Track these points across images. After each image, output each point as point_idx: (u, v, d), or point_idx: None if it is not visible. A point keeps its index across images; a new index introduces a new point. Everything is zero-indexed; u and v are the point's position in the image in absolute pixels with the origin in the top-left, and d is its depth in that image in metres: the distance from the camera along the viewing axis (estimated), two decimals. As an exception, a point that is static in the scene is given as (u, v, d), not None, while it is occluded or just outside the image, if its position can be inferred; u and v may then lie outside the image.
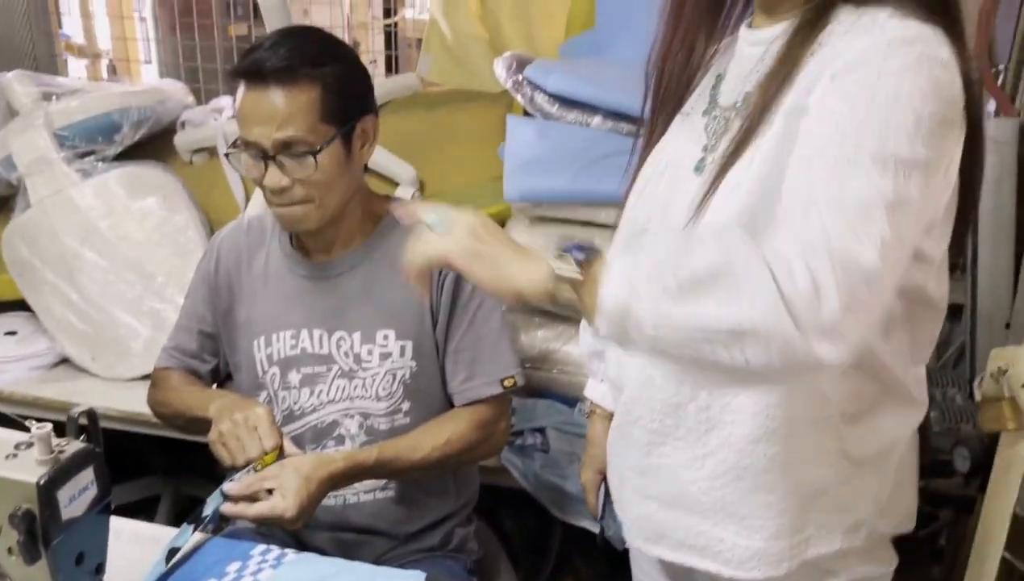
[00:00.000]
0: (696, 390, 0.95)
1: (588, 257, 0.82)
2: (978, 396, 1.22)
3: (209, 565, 1.12)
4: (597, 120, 1.85)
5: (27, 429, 0.91)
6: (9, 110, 2.21)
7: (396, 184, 2.14)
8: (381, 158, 2.08)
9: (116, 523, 1.02)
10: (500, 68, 1.96)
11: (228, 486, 1.15)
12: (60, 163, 2.12)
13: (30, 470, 0.88)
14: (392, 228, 1.38)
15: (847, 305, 0.73)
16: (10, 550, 0.89)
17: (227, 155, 1.31)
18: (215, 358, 1.47)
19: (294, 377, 1.38)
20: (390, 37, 3.33)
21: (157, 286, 2.09)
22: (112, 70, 3.28)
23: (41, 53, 2.72)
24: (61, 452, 0.90)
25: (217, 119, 2.32)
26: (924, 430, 1.04)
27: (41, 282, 2.12)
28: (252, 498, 1.16)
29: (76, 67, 3.44)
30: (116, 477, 0.98)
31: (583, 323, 1.27)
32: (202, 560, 1.14)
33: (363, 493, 1.38)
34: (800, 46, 0.88)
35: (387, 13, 3.32)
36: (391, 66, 3.35)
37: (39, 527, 0.87)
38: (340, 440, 1.37)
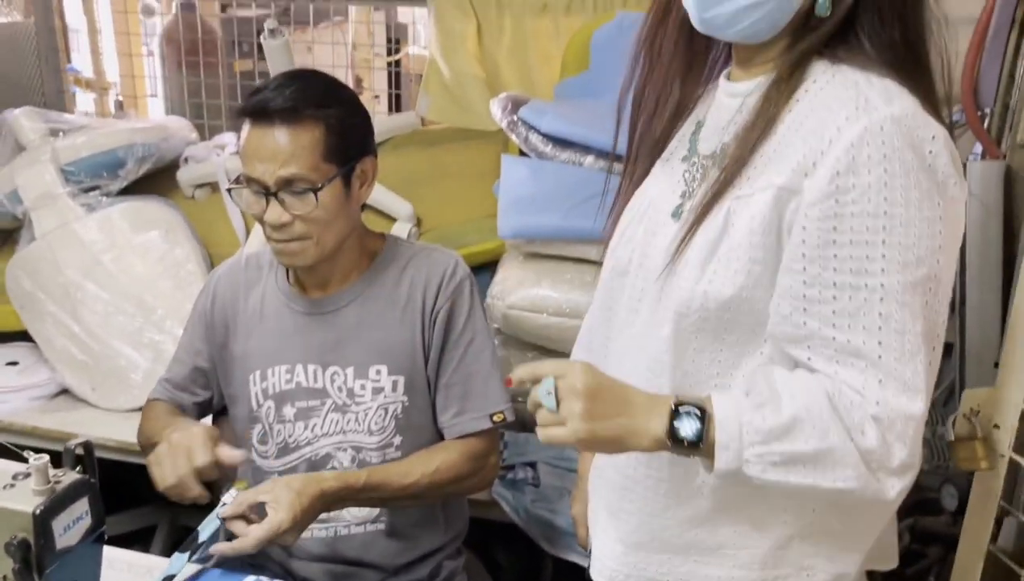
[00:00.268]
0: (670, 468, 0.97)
1: (702, 426, 0.87)
2: (950, 435, 1.25)
3: (203, 597, 1.14)
4: (589, 160, 1.90)
5: (25, 460, 0.94)
6: (17, 145, 2.26)
7: (394, 219, 2.18)
8: (380, 194, 2.13)
9: (110, 553, 1.04)
10: (496, 108, 2.01)
11: (223, 510, 1.17)
12: (65, 197, 2.17)
13: (27, 500, 0.90)
14: (386, 265, 1.42)
15: (910, 451, 0.86)
16: (4, 578, 0.91)
17: (229, 191, 1.35)
18: (206, 392, 1.49)
19: (289, 411, 1.40)
20: (391, 75, 3.39)
21: (157, 318, 2.13)
22: (120, 106, 3.34)
23: (50, 89, 2.79)
24: (57, 483, 0.93)
25: (220, 155, 2.37)
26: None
27: (43, 313, 2.15)
28: (246, 518, 1.18)
29: (84, 100, 3.51)
30: (113, 507, 1.01)
31: (572, 356, 1.29)
32: (196, 591, 1.16)
33: (354, 525, 1.40)
34: (776, 101, 0.91)
35: (390, 52, 3.38)
36: (395, 104, 3.41)
37: (34, 556, 0.89)
38: (334, 472, 1.39)
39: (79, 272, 2.14)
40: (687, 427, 0.87)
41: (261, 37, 2.15)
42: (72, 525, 0.93)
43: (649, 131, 1.07)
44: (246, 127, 1.30)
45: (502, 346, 1.91)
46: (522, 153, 2.01)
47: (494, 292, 1.89)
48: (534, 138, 1.94)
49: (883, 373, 0.85)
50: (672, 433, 0.87)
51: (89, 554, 0.97)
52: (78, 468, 0.97)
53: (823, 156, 0.85)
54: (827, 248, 0.85)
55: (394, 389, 1.39)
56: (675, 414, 0.87)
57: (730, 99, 0.99)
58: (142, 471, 2.00)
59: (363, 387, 1.38)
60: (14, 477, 0.94)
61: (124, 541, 1.23)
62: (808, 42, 0.91)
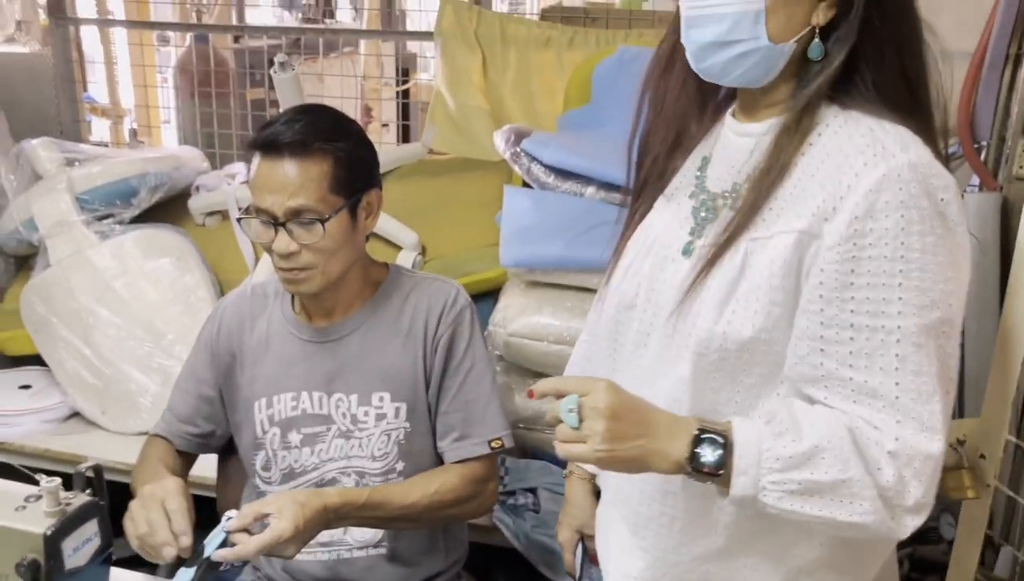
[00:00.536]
0: (688, 482, 0.96)
1: (723, 452, 0.88)
2: (941, 465, 1.27)
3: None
4: (590, 190, 1.93)
5: (37, 482, 0.97)
6: (34, 174, 2.33)
7: (399, 248, 2.22)
8: (385, 223, 2.17)
9: (117, 574, 1.07)
10: (499, 140, 2.06)
11: (228, 524, 1.18)
12: (80, 225, 2.23)
13: (38, 521, 0.94)
14: (389, 295, 1.45)
15: (926, 489, 0.87)
16: (15, 598, 0.94)
17: (239, 220, 1.38)
18: (208, 424, 1.50)
19: (295, 437, 1.43)
20: (399, 106, 3.46)
21: (166, 343, 2.17)
22: (134, 134, 3.41)
23: (67, 118, 2.86)
24: (68, 504, 0.96)
25: (230, 184, 2.42)
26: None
27: (56, 338, 2.20)
28: (250, 532, 1.18)
29: (100, 128, 3.59)
30: (121, 528, 1.04)
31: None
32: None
33: (356, 549, 1.43)
34: (788, 147, 0.92)
35: (399, 82, 3.45)
36: (403, 135, 3.47)
37: (44, 576, 0.92)
38: (339, 496, 1.41)
39: (92, 297, 2.19)
40: (708, 454, 0.88)
41: (272, 70, 2.20)
42: (81, 546, 0.96)
43: (655, 168, 1.09)
44: (256, 159, 1.34)
45: (504, 373, 1.94)
46: (525, 184, 2.05)
47: (496, 320, 1.92)
48: (536, 169, 1.98)
49: (900, 413, 0.86)
50: (693, 459, 0.88)
51: (97, 575, 1.00)
52: (88, 490, 1.00)
53: (842, 201, 0.87)
54: (845, 290, 0.87)
55: (396, 415, 1.41)
56: (697, 440, 0.88)
57: (740, 138, 0.99)
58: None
59: (366, 413, 1.41)
60: (26, 499, 0.97)
61: (131, 563, 1.25)
62: (812, 86, 0.92)
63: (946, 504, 1.75)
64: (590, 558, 1.29)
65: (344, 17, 5.32)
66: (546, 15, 2.66)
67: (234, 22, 4.10)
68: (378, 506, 1.33)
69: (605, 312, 1.11)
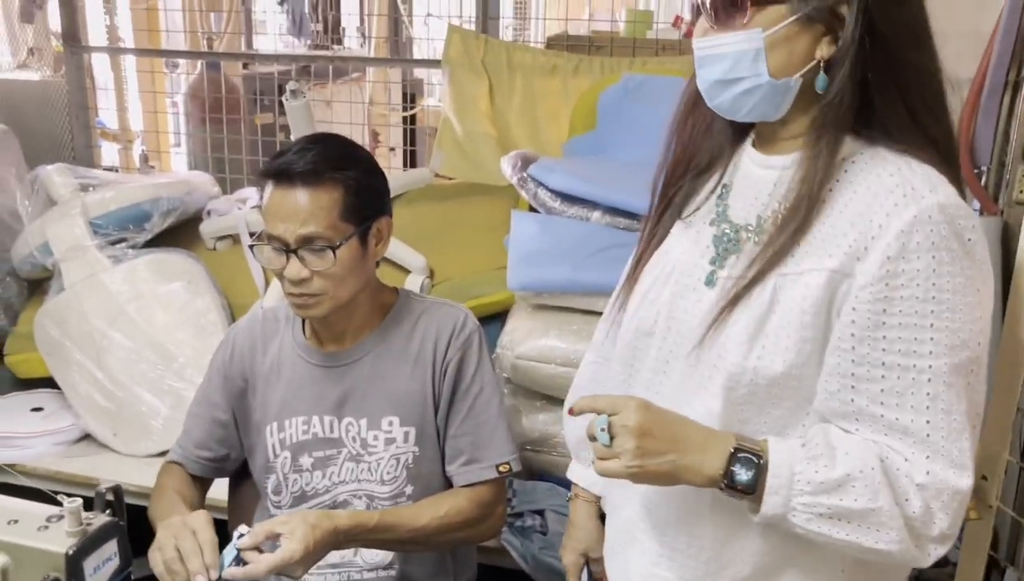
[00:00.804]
0: (715, 514, 0.99)
1: (757, 472, 0.90)
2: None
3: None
4: (596, 215, 1.96)
5: (59, 503, 1.00)
6: (48, 200, 2.36)
7: (408, 271, 2.25)
8: (394, 247, 2.19)
9: (134, 593, 1.09)
10: (506, 166, 2.09)
11: (241, 541, 1.20)
12: (93, 250, 2.26)
13: (60, 541, 0.96)
14: (399, 320, 1.47)
15: (952, 522, 0.90)
16: (37, 616, 0.96)
17: (251, 247, 1.41)
18: (223, 448, 1.52)
19: (306, 460, 1.45)
20: (406, 132, 3.51)
21: (178, 366, 2.20)
22: (145, 159, 3.46)
23: (79, 144, 2.91)
24: (88, 525, 0.98)
25: (241, 208, 2.46)
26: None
27: (69, 361, 2.23)
28: (261, 550, 1.20)
29: (108, 151, 3.64)
30: (135, 549, 1.06)
31: (567, 407, 1.31)
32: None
33: (367, 571, 1.44)
34: (816, 182, 0.92)
35: (405, 108, 3.50)
36: (410, 160, 3.51)
37: (65, 595, 0.95)
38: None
39: (105, 321, 2.21)
40: (743, 473, 0.90)
41: (283, 97, 2.24)
42: (102, 566, 0.98)
43: (676, 194, 1.10)
44: (269, 187, 1.36)
45: (511, 396, 1.96)
46: (531, 208, 2.09)
47: (503, 343, 1.94)
48: (543, 194, 2.01)
49: (931, 450, 0.88)
50: (728, 476, 0.90)
51: (116, 594, 1.02)
52: (108, 511, 1.02)
53: (874, 241, 0.88)
54: (877, 329, 0.88)
55: (406, 440, 1.43)
56: (733, 458, 0.90)
57: (763, 170, 1.00)
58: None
59: (376, 438, 1.43)
60: (48, 519, 0.99)
61: (148, 582, 1.27)
62: (829, 120, 0.92)
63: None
64: (595, 581, 1.30)
65: (352, 43, 5.40)
66: (551, 43, 2.71)
67: (243, 48, 4.16)
68: (388, 529, 1.35)
69: (621, 338, 1.12)
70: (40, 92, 3.00)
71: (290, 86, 2.20)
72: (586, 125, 2.25)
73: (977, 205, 2.13)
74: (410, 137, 3.51)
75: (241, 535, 1.20)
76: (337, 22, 5.02)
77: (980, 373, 0.90)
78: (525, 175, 2.04)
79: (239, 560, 1.17)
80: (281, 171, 1.35)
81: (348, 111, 3.10)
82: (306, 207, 1.33)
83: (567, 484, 1.88)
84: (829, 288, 0.91)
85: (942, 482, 0.88)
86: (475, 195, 2.42)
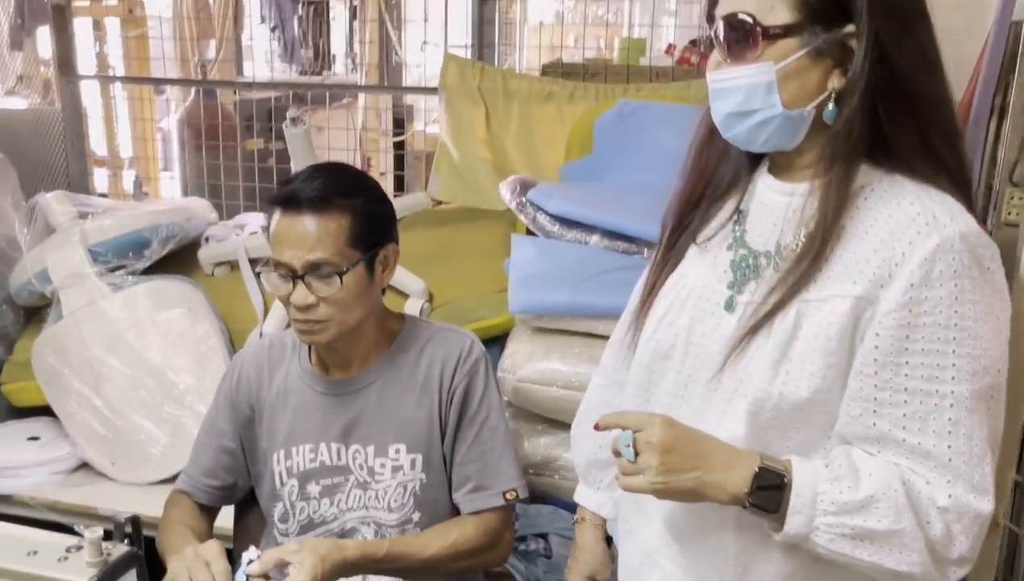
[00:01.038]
0: (739, 536, 1.00)
1: (781, 492, 0.91)
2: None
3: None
4: (595, 239, 1.99)
5: (78, 534, 1.00)
6: (47, 227, 2.36)
7: (407, 295, 2.26)
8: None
9: (150, 623, 1.09)
10: (505, 190, 2.12)
11: (250, 567, 1.20)
12: (93, 277, 2.25)
13: (81, 572, 0.96)
14: (406, 347, 1.48)
15: (972, 545, 0.91)
16: (57, 647, 0.96)
17: (258, 274, 1.41)
18: (231, 476, 1.52)
19: (314, 488, 1.45)
20: (396, 157, 3.54)
21: (177, 394, 2.19)
22: (139, 185, 3.47)
23: (74, 172, 2.91)
24: (108, 555, 0.98)
25: (239, 234, 2.46)
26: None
27: (68, 389, 2.21)
28: (267, 577, 1.20)
29: (100, 175, 3.64)
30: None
31: (575, 430, 1.33)
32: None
33: (375, 596, 1.45)
34: (836, 209, 0.94)
35: (396, 134, 3.54)
36: (399, 185, 3.54)
37: (86, 625, 0.94)
38: (359, 546, 1.43)
39: (103, 348, 2.21)
40: (768, 493, 0.92)
41: (283, 125, 2.26)
42: (121, 596, 0.98)
43: (692, 219, 1.11)
44: (276, 214, 1.37)
45: (513, 419, 1.97)
46: (529, 232, 2.11)
47: (504, 366, 1.95)
48: (542, 218, 2.04)
49: (952, 474, 0.90)
50: (752, 495, 0.91)
51: (134, 624, 1.02)
52: (126, 541, 1.03)
53: (897, 268, 0.90)
54: (900, 355, 0.90)
55: (412, 467, 1.44)
56: (758, 476, 0.92)
57: (780, 197, 1.01)
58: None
59: (383, 465, 1.44)
60: (67, 550, 0.99)
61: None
62: (839, 150, 0.93)
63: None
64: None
65: (340, 69, 5.44)
66: (547, 70, 2.75)
67: (234, 75, 4.18)
68: (397, 559, 1.35)
69: (637, 361, 1.12)
70: (33, 120, 3.01)
71: (290, 114, 2.22)
72: (582, 150, 2.28)
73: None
74: (399, 162, 3.54)
75: (251, 560, 1.20)
76: (327, 48, 5.06)
77: (999, 398, 0.92)
78: (524, 200, 2.06)
79: None
80: (289, 198, 1.36)
81: (342, 137, 3.12)
82: (313, 233, 1.34)
83: (570, 507, 1.90)
84: (854, 314, 0.92)
85: (964, 505, 0.90)
86: (473, 219, 2.44)
